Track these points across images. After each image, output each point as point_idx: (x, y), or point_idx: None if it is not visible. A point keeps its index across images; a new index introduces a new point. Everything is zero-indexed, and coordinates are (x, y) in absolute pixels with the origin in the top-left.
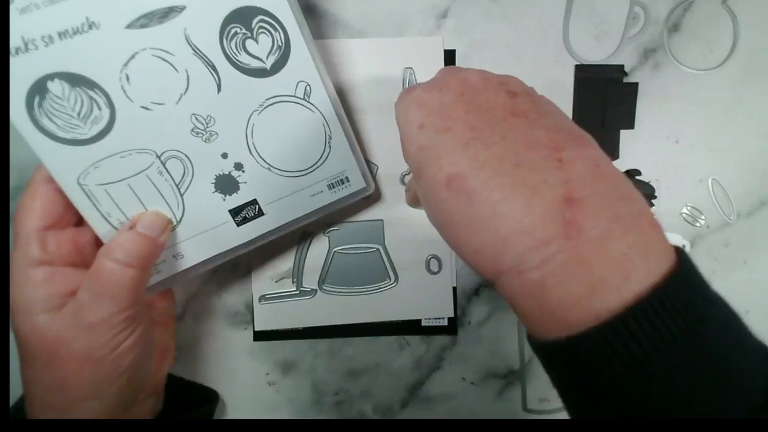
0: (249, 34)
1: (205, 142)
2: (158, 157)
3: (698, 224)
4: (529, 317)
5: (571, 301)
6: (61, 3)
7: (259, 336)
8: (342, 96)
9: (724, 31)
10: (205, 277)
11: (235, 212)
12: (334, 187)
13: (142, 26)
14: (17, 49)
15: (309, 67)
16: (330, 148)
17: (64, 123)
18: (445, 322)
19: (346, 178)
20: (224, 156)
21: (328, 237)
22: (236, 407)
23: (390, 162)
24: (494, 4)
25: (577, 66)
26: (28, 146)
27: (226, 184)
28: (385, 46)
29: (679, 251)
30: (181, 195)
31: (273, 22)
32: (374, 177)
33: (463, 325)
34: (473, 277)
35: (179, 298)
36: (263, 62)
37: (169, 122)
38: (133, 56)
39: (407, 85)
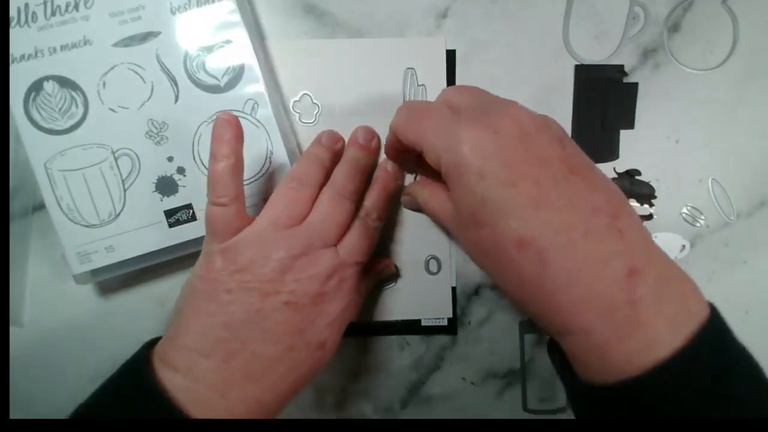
0: (210, 57)
1: (156, 144)
2: (113, 152)
3: (698, 224)
4: (588, 368)
5: (630, 357)
6: (69, 25)
7: None
8: (341, 97)
9: (724, 31)
10: None
11: (169, 213)
12: None
13: (125, 45)
14: (29, 56)
15: (258, 88)
16: (270, 163)
17: (48, 115)
18: (445, 322)
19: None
20: (170, 159)
21: None
22: None
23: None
24: (494, 4)
25: (577, 66)
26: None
27: (166, 186)
28: (387, 46)
29: (711, 305)
30: (125, 190)
31: (231, 48)
32: None
33: (463, 325)
34: (473, 277)
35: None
36: (218, 80)
37: (128, 124)
38: (112, 68)
39: (408, 86)
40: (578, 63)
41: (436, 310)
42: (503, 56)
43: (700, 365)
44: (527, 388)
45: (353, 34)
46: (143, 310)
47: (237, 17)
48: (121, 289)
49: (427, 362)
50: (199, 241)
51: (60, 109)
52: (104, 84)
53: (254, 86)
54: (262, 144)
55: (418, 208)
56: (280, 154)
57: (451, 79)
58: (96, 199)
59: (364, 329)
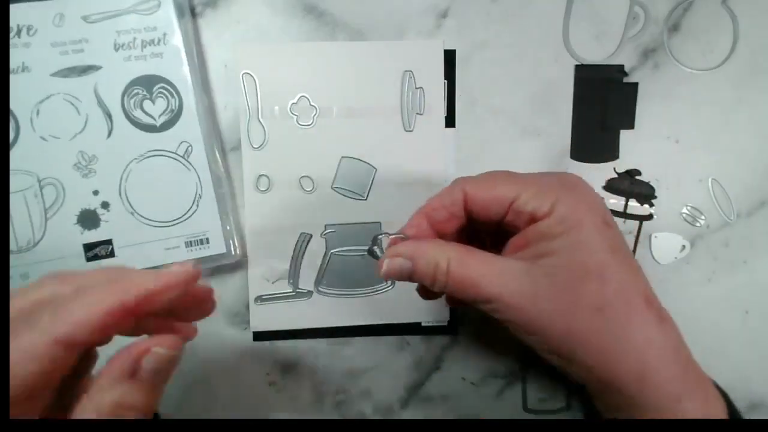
0: (148, 96)
1: (83, 176)
2: (39, 181)
3: (698, 224)
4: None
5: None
6: (11, 50)
7: (259, 336)
8: (338, 99)
9: (724, 31)
10: (205, 277)
11: (88, 248)
12: (191, 246)
13: (64, 76)
14: None
15: (195, 131)
16: (197, 206)
17: None
18: (445, 322)
19: (207, 239)
20: (95, 193)
21: (325, 239)
22: (236, 407)
23: (388, 166)
24: (494, 4)
25: (577, 66)
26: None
27: (88, 219)
28: (385, 49)
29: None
30: (47, 219)
31: (171, 89)
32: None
33: (463, 325)
34: None
35: None
36: (154, 120)
37: (58, 153)
38: (48, 97)
39: (406, 89)
40: (578, 63)
41: (435, 312)
42: (503, 56)
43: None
44: (527, 388)
45: (353, 34)
46: None
47: (182, 58)
48: None
49: (427, 362)
50: None
51: None
52: (38, 112)
53: (191, 129)
54: (191, 187)
55: (408, 278)
56: (209, 199)
57: (450, 79)
58: (16, 225)
59: (364, 329)
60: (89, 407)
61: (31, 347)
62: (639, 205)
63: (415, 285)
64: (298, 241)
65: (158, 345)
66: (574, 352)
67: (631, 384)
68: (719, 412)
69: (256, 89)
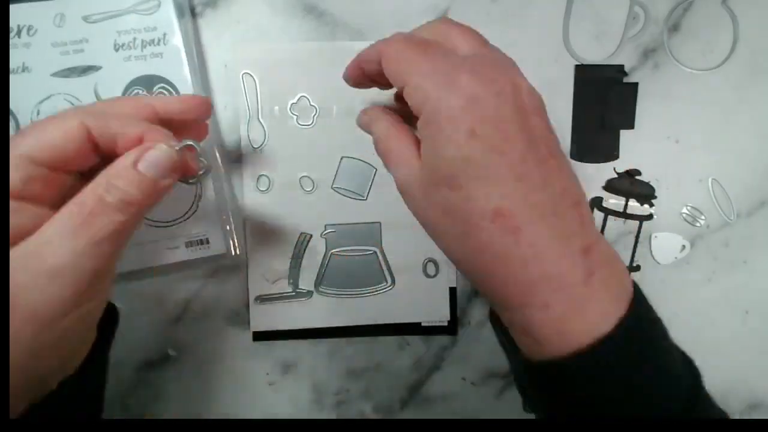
0: (150, 95)
1: None
2: None
3: (698, 224)
4: (541, 343)
5: (587, 328)
6: (10, 50)
7: (259, 336)
8: (338, 99)
9: (724, 31)
10: (205, 278)
11: None
12: (192, 246)
13: (65, 76)
14: None
15: None
16: (197, 207)
17: None
18: (445, 322)
19: (207, 240)
20: None
21: (325, 239)
22: (236, 407)
23: None
24: (494, 4)
25: (577, 66)
26: None
27: None
28: None
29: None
30: None
31: (171, 90)
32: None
33: (463, 325)
34: None
35: (178, 298)
36: None
37: None
38: (48, 97)
39: None
40: (578, 63)
41: (435, 312)
42: None
43: (641, 329)
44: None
45: (353, 34)
46: (142, 310)
47: (182, 58)
48: (119, 288)
49: (427, 362)
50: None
51: None
52: (38, 112)
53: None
54: (190, 188)
55: (368, 132)
56: (209, 199)
57: None
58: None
59: (364, 329)
60: (87, 188)
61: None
62: (639, 205)
63: (414, 284)
64: (298, 241)
65: (160, 142)
66: (434, 240)
67: (476, 282)
68: (589, 325)
69: (256, 89)
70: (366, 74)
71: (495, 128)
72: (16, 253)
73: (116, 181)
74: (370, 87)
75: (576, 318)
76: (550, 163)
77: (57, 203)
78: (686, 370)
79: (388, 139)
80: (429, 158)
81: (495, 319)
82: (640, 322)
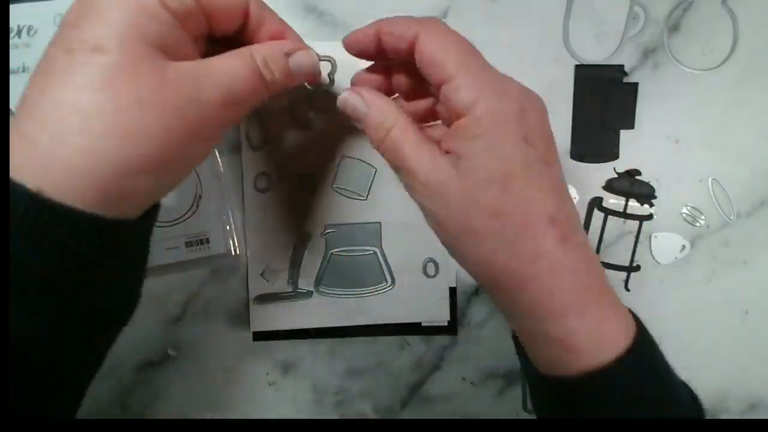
0: None
1: None
2: None
3: (698, 224)
4: (579, 352)
5: (619, 335)
6: (10, 51)
7: (259, 336)
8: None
9: (724, 31)
10: (205, 278)
11: None
12: (191, 246)
13: None
14: None
15: None
16: (198, 207)
17: None
18: (445, 323)
19: (207, 239)
20: None
21: (325, 239)
22: (236, 407)
23: (388, 166)
24: (494, 4)
25: (577, 66)
26: None
27: None
28: None
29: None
30: None
31: None
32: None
33: (463, 325)
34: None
35: (178, 298)
36: None
37: None
38: None
39: None
40: (578, 63)
41: (434, 312)
42: (503, 56)
43: (653, 343)
44: (527, 388)
45: None
46: (142, 310)
47: None
48: None
49: (427, 362)
50: None
51: None
52: None
53: None
54: (191, 188)
55: (357, 123)
56: (209, 199)
57: None
58: None
59: (363, 330)
60: (241, 50)
61: None
62: (639, 205)
63: (414, 284)
64: (298, 241)
65: (304, 47)
66: (465, 252)
67: (515, 291)
68: (615, 337)
69: None
70: (381, 48)
71: (543, 140)
72: (187, 66)
73: (271, 64)
74: (370, 60)
75: (608, 325)
76: (556, 167)
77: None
78: (688, 392)
79: (404, 132)
80: (478, 158)
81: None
82: (651, 340)
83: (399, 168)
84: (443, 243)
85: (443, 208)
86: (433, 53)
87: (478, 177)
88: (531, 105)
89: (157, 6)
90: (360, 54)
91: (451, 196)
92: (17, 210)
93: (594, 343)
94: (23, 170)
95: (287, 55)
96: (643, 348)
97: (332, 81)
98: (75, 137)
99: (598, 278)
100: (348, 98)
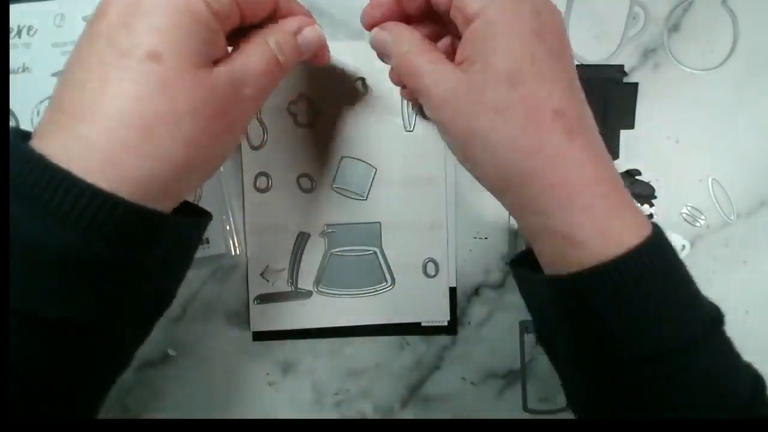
0: None
1: None
2: None
3: (698, 224)
4: (582, 246)
5: (623, 230)
6: (10, 51)
7: (259, 336)
8: (338, 99)
9: (724, 31)
10: (205, 277)
11: None
12: None
13: None
14: None
15: None
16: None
17: None
18: (445, 323)
19: (207, 239)
20: None
21: (325, 238)
22: (236, 407)
23: (388, 166)
24: None
25: (577, 66)
26: None
27: None
28: None
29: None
30: None
31: None
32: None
33: (463, 325)
34: (473, 278)
35: (179, 298)
36: None
37: None
38: (48, 97)
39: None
40: (578, 63)
41: (434, 312)
42: None
43: (669, 246)
44: (527, 388)
45: (353, 34)
46: None
47: None
48: None
49: (427, 362)
50: None
51: None
52: (39, 112)
53: None
54: None
55: (385, 55)
56: (208, 199)
57: None
58: None
59: (363, 330)
60: (253, 36)
61: None
62: (639, 205)
63: (414, 284)
64: (297, 241)
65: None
66: (474, 154)
67: (519, 186)
68: (622, 234)
69: None
70: (399, 5)
71: (556, 36)
72: (225, 71)
73: (284, 47)
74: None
75: (616, 220)
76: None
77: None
78: (712, 306)
79: (420, 53)
80: (487, 58)
81: (516, 263)
82: (668, 244)
83: (418, 89)
84: (454, 153)
85: (453, 114)
86: None
87: (486, 77)
88: (546, 8)
89: (205, 11)
90: (382, 16)
91: (461, 101)
92: (83, 205)
93: (598, 237)
94: (88, 171)
95: (296, 34)
96: (656, 248)
97: (366, 88)
98: (142, 146)
99: (609, 175)
100: (376, 35)
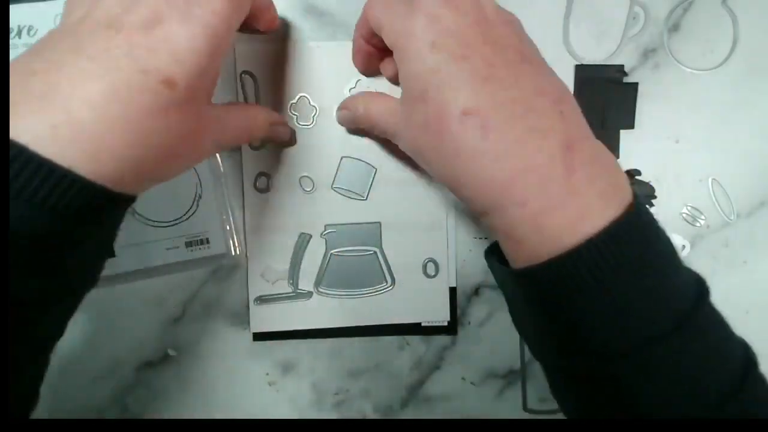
0: None
1: None
2: None
3: (698, 224)
4: (522, 245)
5: (565, 227)
6: (10, 51)
7: (259, 336)
8: (338, 99)
9: (724, 31)
10: (205, 278)
11: None
12: (192, 246)
13: None
14: None
15: None
16: (197, 206)
17: None
18: (445, 323)
19: (207, 239)
20: None
21: (325, 239)
22: (236, 407)
23: (388, 166)
24: None
25: (577, 66)
26: None
27: None
28: None
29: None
30: None
31: None
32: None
33: (463, 325)
34: (473, 278)
35: (179, 298)
36: None
37: None
38: None
39: None
40: (578, 63)
41: (434, 312)
42: None
43: (638, 237)
44: (527, 388)
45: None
46: (142, 310)
47: None
48: (119, 288)
49: (427, 362)
50: (115, 279)
51: None
52: None
53: None
54: (191, 188)
55: (352, 124)
56: (209, 199)
57: None
58: None
59: (364, 329)
60: (247, 114)
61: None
62: None
63: (414, 285)
64: (297, 241)
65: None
66: (429, 170)
67: (455, 192)
68: (567, 227)
69: (256, 89)
70: (368, 45)
71: (456, 39)
72: (217, 111)
73: (260, 131)
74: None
75: (555, 214)
76: (522, 66)
77: None
78: (691, 290)
79: (369, 104)
80: (403, 84)
81: (489, 252)
82: (638, 229)
83: (383, 132)
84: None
85: (404, 141)
86: (372, 19)
87: (406, 102)
88: (446, 10)
89: (223, 43)
90: (367, 65)
91: (402, 129)
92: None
93: (534, 234)
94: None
95: (272, 125)
96: (611, 238)
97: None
98: (137, 149)
99: (543, 161)
100: (337, 118)
